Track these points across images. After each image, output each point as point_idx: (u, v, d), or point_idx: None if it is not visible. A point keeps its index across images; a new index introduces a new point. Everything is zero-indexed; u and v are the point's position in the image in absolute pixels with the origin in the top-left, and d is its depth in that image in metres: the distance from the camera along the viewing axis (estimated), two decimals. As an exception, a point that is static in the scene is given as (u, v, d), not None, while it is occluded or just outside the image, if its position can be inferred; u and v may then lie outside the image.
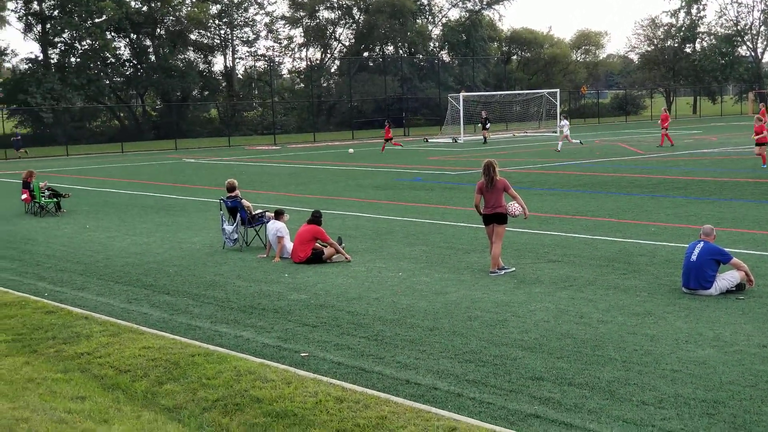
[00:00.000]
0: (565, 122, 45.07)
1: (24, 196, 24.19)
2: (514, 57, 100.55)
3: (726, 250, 12.27)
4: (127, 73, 76.35)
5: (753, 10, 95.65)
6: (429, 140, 58.69)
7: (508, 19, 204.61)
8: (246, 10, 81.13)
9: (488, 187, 13.81)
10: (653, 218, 19.06)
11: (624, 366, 8.98)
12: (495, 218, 13.82)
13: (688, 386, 8.33)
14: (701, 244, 12.14)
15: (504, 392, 8.30)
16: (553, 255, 15.14)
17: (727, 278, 11.96)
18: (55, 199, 23.81)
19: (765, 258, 14.28)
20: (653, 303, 11.58)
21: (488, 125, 54.39)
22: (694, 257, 11.98)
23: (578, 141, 48.42)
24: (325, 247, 15.21)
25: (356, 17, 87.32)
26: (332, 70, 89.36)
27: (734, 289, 11.93)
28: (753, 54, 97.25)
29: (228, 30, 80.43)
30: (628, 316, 10.96)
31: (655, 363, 9.05)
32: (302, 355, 9.67)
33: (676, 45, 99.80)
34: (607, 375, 8.70)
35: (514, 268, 13.96)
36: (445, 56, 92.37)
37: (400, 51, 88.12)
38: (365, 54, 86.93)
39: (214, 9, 78.68)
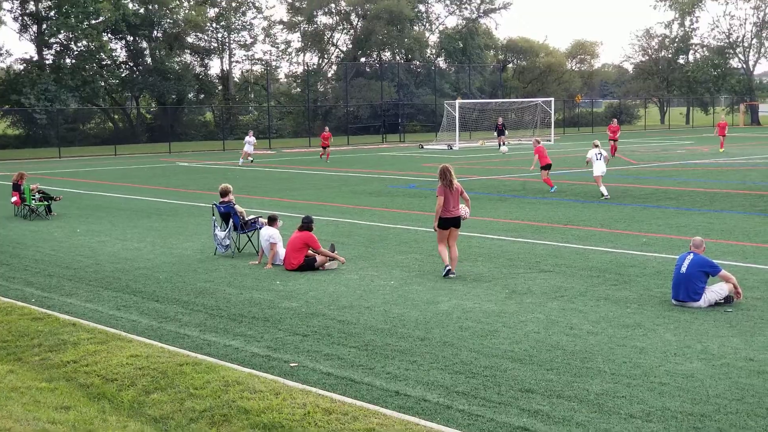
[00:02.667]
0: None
1: (14, 199, 24.09)
2: (510, 65, 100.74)
3: (715, 262, 12.30)
4: (123, 75, 76.22)
5: (745, 23, 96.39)
6: (424, 146, 58.71)
7: (505, 27, 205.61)
8: (244, 14, 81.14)
9: (450, 191, 14.30)
10: (644, 228, 19.08)
11: (613, 378, 8.98)
12: (454, 221, 14.39)
13: (675, 399, 8.34)
14: (691, 256, 12.16)
15: (493, 404, 8.30)
16: (545, 265, 15.15)
17: (715, 290, 11.99)
18: (45, 202, 23.73)
19: (753, 270, 14.32)
20: (643, 315, 11.59)
21: (505, 132, 54.61)
22: (683, 269, 12.00)
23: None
24: (317, 254, 15.19)
25: (354, 23, 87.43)
26: (329, 75, 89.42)
27: (722, 301, 11.96)
28: (744, 66, 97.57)
29: (225, 33, 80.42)
30: (618, 327, 10.97)
31: (644, 376, 9.05)
32: (291, 365, 9.65)
33: (669, 56, 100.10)
34: (596, 387, 8.70)
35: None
36: (441, 63, 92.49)
37: (397, 57, 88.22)
38: (362, 60, 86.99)
39: (212, 12, 78.67)
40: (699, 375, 9.06)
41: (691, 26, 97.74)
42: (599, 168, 25.24)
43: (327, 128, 50.29)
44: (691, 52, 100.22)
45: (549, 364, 9.51)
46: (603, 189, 24.86)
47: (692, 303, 11.92)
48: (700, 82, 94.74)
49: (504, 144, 53.05)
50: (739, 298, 12.09)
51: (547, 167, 27.64)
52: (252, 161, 45.41)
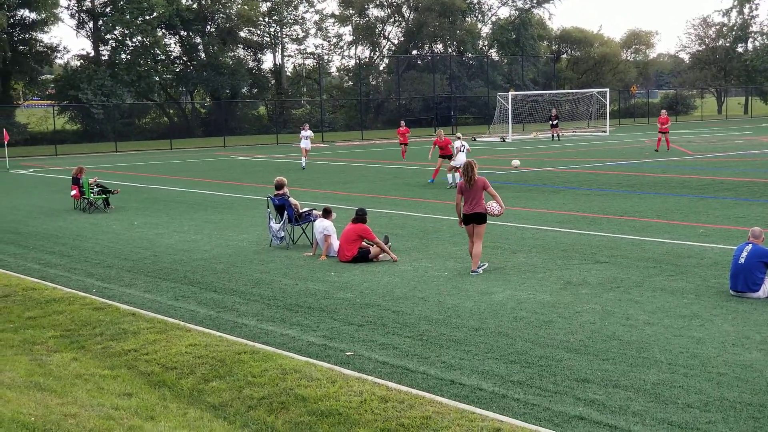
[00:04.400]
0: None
1: (73, 192, 24.57)
2: (564, 56, 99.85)
3: (776, 253, 12.11)
4: (177, 70, 77.15)
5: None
6: (477, 139, 58.52)
7: (558, 17, 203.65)
8: (296, 8, 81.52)
9: (468, 187, 13.96)
10: (702, 219, 18.84)
11: (669, 368, 8.92)
12: (474, 218, 13.97)
13: (734, 389, 8.25)
14: (750, 246, 12.00)
15: (549, 394, 8.29)
16: (601, 256, 15.05)
17: (776, 281, 11.81)
18: (103, 196, 24.16)
19: (817, 261, 14.04)
20: (700, 305, 11.47)
21: (557, 123, 54.53)
22: (742, 259, 11.85)
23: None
24: (372, 246, 15.27)
25: (406, 15, 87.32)
26: (381, 68, 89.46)
27: (784, 292, 11.78)
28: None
29: (278, 28, 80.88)
30: (674, 318, 10.87)
31: (701, 366, 8.97)
32: (347, 354, 9.74)
33: (727, 45, 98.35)
34: (653, 377, 8.65)
35: (486, 263, 14.23)
36: (494, 55, 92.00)
37: (449, 49, 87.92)
38: (414, 52, 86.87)
39: (264, 6, 79.14)
40: (758, 365, 8.95)
41: (750, 14, 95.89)
42: (460, 159, 26.47)
43: (403, 123, 43.86)
44: (750, 40, 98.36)
45: (605, 354, 9.47)
46: (449, 177, 27.15)
47: (751, 293, 11.76)
48: (759, 71, 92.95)
49: (559, 136, 52.85)
50: (799, 288, 11.90)
51: (447, 157, 28.64)
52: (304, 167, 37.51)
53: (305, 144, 38.31)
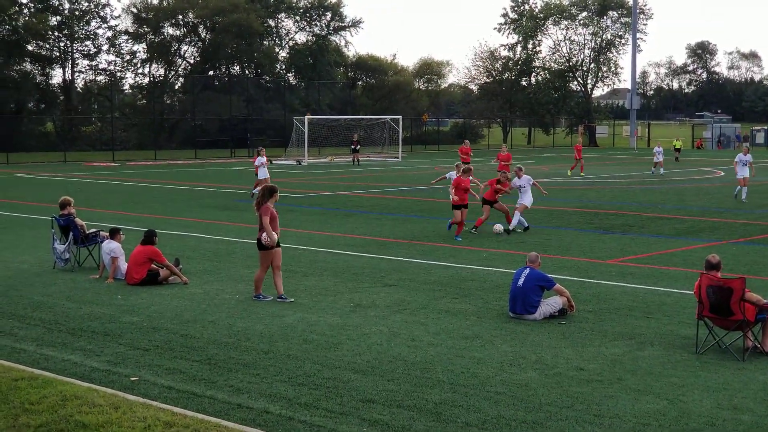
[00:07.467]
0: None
1: None
2: (360, 83, 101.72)
3: (550, 277, 12.88)
4: (-43, 82, 72.62)
5: (584, 48, 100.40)
6: (273, 162, 58.47)
7: (355, 45, 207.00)
8: (88, 23, 78.70)
9: (256, 212, 13.64)
10: (486, 244, 19.71)
11: (451, 388, 9.28)
12: (257, 244, 13.65)
13: (510, 408, 8.69)
14: (527, 271, 12.68)
15: (335, 415, 8.43)
16: (390, 279, 15.44)
17: (550, 303, 12.55)
18: None
19: (586, 284, 15.05)
20: (481, 327, 12.00)
21: (358, 148, 55.53)
22: (520, 283, 12.51)
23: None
24: (162, 268, 14.95)
25: (202, 35, 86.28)
26: (176, 87, 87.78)
27: (557, 313, 12.53)
28: (583, 89, 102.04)
29: (68, 42, 77.79)
30: (457, 339, 11.32)
31: (481, 385, 9.39)
32: (132, 379, 9.49)
33: (513, 78, 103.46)
34: (435, 397, 8.97)
35: (270, 297, 13.72)
36: (291, 79, 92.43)
37: (247, 71, 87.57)
38: (210, 72, 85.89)
39: (54, 20, 75.96)
40: (533, 384, 9.47)
41: (534, 50, 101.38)
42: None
43: (467, 142, 44.33)
44: (534, 74, 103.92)
45: (390, 374, 9.73)
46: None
47: (528, 315, 12.43)
48: (541, 104, 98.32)
49: (359, 161, 53.81)
50: (572, 311, 12.69)
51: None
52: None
53: (263, 173, 31.31)
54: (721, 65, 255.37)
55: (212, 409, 8.57)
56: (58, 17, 76.00)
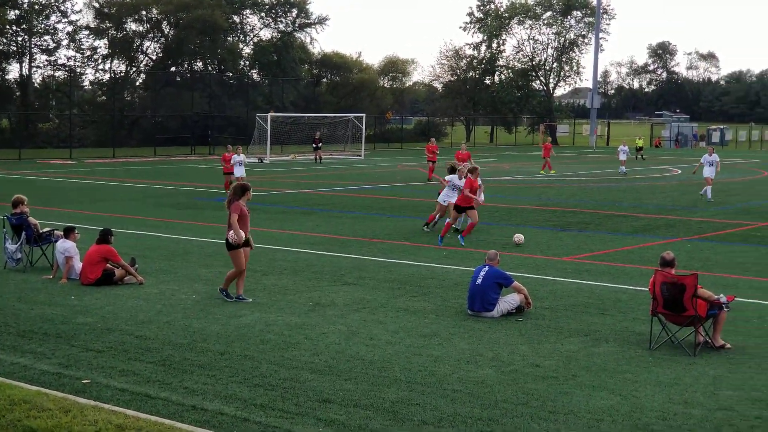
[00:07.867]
0: None
1: None
2: (324, 80, 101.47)
3: (509, 274, 12.89)
4: None
5: (547, 48, 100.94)
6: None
7: (320, 42, 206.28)
8: (47, 17, 77.62)
9: (227, 209, 13.41)
10: (446, 242, 19.68)
11: (408, 386, 9.24)
12: (225, 244, 13.44)
13: (466, 405, 8.67)
14: (486, 269, 12.69)
15: (291, 415, 8.35)
16: (350, 277, 15.37)
17: (508, 301, 12.56)
18: None
19: (543, 281, 15.12)
20: (439, 325, 11.98)
21: (320, 145, 55.23)
22: (479, 281, 12.51)
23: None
24: (117, 268, 14.74)
25: (165, 31, 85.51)
26: (137, 84, 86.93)
27: (514, 311, 12.55)
28: (545, 89, 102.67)
29: (26, 36, 76.69)
30: (415, 337, 11.29)
31: (438, 383, 9.36)
32: (84, 382, 9.33)
33: (477, 76, 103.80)
34: (392, 396, 8.92)
35: (233, 297, 13.50)
36: (255, 75, 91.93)
37: (209, 68, 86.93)
38: (173, 69, 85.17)
39: (12, 14, 74.83)
40: (489, 381, 9.46)
41: (498, 48, 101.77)
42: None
43: (433, 140, 42.66)
44: (497, 73, 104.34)
45: (347, 374, 9.67)
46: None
47: (486, 313, 12.43)
48: (504, 103, 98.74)
49: (320, 159, 53.62)
50: (529, 308, 12.73)
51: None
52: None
53: (239, 171, 31.57)
54: (681, 65, 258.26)
55: (166, 411, 8.44)
56: (17, 11, 74.89)
